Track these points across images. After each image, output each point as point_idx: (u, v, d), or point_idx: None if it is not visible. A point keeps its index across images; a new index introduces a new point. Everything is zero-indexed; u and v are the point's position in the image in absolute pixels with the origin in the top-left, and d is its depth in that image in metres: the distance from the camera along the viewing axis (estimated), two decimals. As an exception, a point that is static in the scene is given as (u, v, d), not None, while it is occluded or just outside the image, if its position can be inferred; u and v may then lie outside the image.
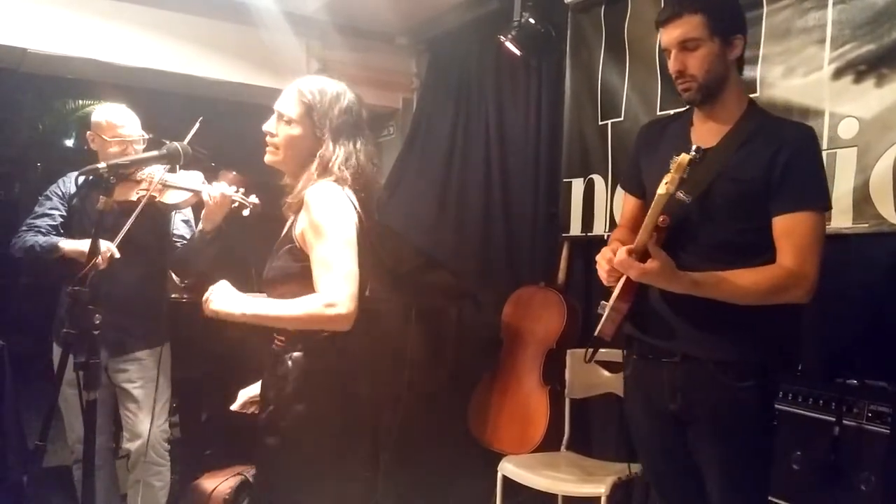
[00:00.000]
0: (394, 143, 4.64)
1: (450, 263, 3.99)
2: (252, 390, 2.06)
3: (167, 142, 2.46)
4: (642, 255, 1.71)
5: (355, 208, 1.85)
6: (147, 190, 2.54)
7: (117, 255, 2.45)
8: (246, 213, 2.62)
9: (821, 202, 1.77)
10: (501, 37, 3.52)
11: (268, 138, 1.92)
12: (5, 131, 6.79)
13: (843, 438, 2.05)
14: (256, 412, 2.03)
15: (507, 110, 3.87)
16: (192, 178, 2.68)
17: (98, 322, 1.87)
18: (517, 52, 3.54)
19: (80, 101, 7.08)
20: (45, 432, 1.95)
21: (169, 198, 2.65)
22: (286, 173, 1.98)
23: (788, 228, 1.74)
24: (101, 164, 1.98)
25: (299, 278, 1.80)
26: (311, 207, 1.79)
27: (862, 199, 2.27)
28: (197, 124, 2.69)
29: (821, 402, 2.12)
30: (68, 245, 2.62)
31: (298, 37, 4.09)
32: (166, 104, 4.18)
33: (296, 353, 1.82)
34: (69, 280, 1.97)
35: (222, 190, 2.60)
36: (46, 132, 7.35)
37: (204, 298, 1.85)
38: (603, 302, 1.91)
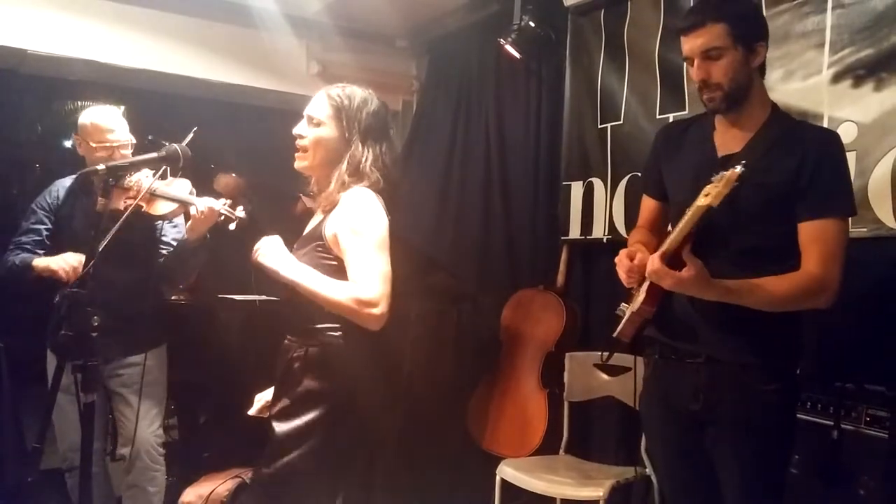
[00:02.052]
0: (393, 146, 4.64)
1: (449, 266, 3.99)
2: (268, 394, 2.06)
3: (166, 143, 2.45)
4: (671, 261, 1.70)
5: (387, 214, 1.89)
6: (134, 199, 2.50)
7: (80, 268, 2.34)
8: (232, 226, 2.60)
9: (846, 208, 1.77)
10: (501, 39, 3.53)
11: (297, 141, 1.95)
12: (4, 132, 6.78)
13: (842, 443, 2.05)
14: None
15: (507, 113, 3.87)
16: (181, 188, 2.63)
17: (96, 324, 1.87)
18: (517, 54, 3.54)
19: (80, 103, 7.06)
20: (42, 435, 1.94)
21: (157, 209, 2.61)
22: (313, 178, 2.01)
23: (815, 235, 1.73)
24: (101, 166, 1.97)
25: (328, 273, 1.85)
26: (348, 211, 1.85)
27: (860, 204, 2.25)
28: (192, 133, 2.68)
29: (819, 406, 2.13)
30: (41, 263, 2.57)
31: (299, 39, 4.10)
32: (166, 106, 4.18)
33: (311, 349, 1.85)
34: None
35: (210, 204, 2.58)
36: (45, 133, 7.34)
37: (255, 248, 1.90)
38: (623, 305, 1.90)
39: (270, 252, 1.88)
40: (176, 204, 2.61)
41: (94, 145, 2.69)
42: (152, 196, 2.58)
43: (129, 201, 2.50)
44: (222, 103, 4.39)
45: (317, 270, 1.85)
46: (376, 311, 1.78)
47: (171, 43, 3.80)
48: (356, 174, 1.90)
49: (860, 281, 2.23)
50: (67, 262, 2.51)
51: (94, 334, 1.88)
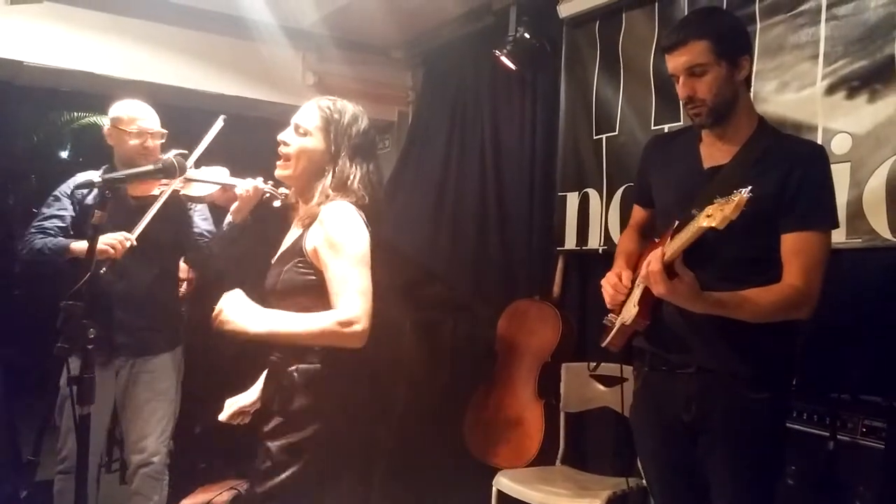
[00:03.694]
0: (389, 157, 4.65)
1: (445, 277, 3.99)
2: (240, 400, 2.04)
3: (162, 156, 2.45)
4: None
5: (368, 228, 1.86)
6: (168, 185, 2.54)
7: (135, 243, 2.48)
8: (277, 203, 2.58)
9: (829, 221, 1.78)
10: (497, 51, 3.54)
11: (280, 148, 1.91)
12: (0, 143, 6.78)
13: (838, 453, 2.05)
14: (245, 423, 2.02)
15: (503, 124, 3.88)
16: (218, 173, 2.70)
17: (92, 336, 1.86)
18: (512, 66, 3.55)
19: (75, 114, 7.09)
20: (37, 447, 1.93)
21: (193, 190, 2.64)
22: (294, 188, 1.98)
23: (797, 247, 1.75)
24: (97, 178, 1.97)
25: (311, 290, 1.82)
26: (328, 225, 1.81)
27: (855, 215, 2.28)
28: (221, 119, 2.72)
29: (815, 417, 2.13)
30: (79, 245, 2.58)
31: (295, 50, 4.11)
32: (161, 117, 4.18)
33: (302, 366, 1.82)
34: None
35: (255, 184, 2.59)
36: (41, 144, 7.34)
37: (215, 313, 1.80)
38: (611, 315, 1.91)
39: (235, 312, 1.78)
40: (216, 186, 2.64)
41: (127, 130, 2.70)
42: (188, 180, 2.62)
43: (163, 186, 2.52)
44: (218, 114, 4.39)
45: (304, 289, 1.82)
46: (358, 328, 1.74)
47: (166, 54, 3.81)
48: (342, 189, 1.86)
49: (855, 291, 2.25)
50: (114, 238, 2.51)
51: (90, 346, 1.86)
